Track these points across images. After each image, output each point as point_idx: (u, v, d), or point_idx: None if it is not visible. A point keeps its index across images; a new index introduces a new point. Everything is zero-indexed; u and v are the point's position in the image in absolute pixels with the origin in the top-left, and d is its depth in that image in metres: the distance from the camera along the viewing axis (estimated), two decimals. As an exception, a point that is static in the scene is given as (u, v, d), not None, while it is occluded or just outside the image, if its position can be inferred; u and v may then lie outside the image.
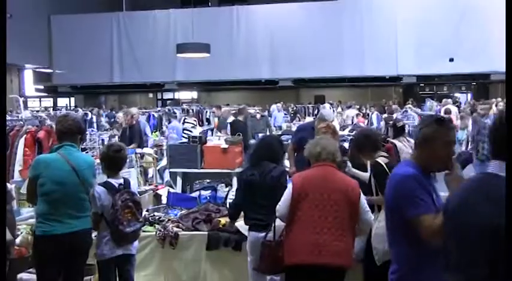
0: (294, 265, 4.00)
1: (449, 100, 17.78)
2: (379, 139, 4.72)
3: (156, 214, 6.04)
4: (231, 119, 12.79)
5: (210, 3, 28.81)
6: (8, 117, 11.17)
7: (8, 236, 4.14)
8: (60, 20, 25.11)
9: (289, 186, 4.17)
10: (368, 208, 4.15)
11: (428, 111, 14.38)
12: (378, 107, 17.92)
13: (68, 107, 27.40)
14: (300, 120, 17.79)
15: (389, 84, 27.20)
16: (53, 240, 4.28)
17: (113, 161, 4.60)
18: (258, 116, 14.55)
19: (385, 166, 4.21)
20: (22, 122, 7.39)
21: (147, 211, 6.03)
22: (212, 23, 23.55)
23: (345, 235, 3.99)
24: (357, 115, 15.36)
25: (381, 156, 4.43)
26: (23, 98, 16.90)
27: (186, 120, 13.43)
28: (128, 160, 8.92)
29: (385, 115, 13.89)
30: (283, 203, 4.10)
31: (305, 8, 23.73)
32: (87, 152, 9.36)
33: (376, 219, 4.21)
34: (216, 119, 13.05)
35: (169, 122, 13.98)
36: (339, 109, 18.89)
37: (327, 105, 16.16)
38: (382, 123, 15.63)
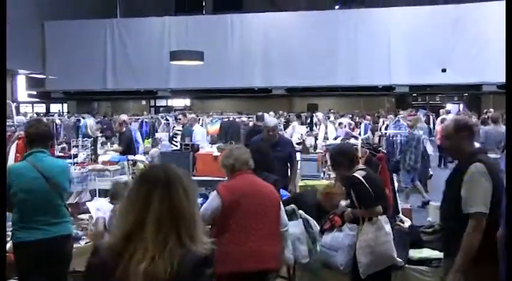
0: (236, 273, 3.89)
1: (444, 110, 17.92)
2: (355, 154, 4.75)
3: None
4: (196, 127, 12.70)
5: (204, 11, 28.90)
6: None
7: None
8: (54, 26, 25.11)
9: (216, 197, 4.06)
10: (283, 209, 4.29)
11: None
12: (373, 118, 18.00)
13: (61, 113, 27.30)
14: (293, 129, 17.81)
15: (382, 94, 27.31)
16: (29, 247, 4.26)
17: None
18: (251, 124, 14.57)
19: (362, 178, 4.25)
20: (14, 128, 7.40)
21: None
22: (206, 30, 23.61)
23: (276, 238, 4.11)
24: (342, 124, 15.36)
25: (360, 169, 4.45)
26: (15, 103, 16.85)
27: (175, 128, 13.44)
28: (120, 167, 8.97)
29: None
30: (209, 211, 4.01)
31: (299, 17, 23.84)
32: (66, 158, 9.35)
33: (360, 231, 4.25)
34: (181, 127, 13.09)
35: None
36: (332, 118, 18.90)
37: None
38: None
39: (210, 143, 12.25)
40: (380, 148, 6.69)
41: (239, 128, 14.30)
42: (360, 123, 17.03)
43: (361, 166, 4.55)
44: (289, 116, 23.88)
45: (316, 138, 11.93)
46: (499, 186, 3.43)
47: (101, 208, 5.20)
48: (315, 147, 10.61)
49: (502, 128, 12.66)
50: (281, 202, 4.32)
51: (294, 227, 4.61)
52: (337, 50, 23.06)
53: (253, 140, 7.21)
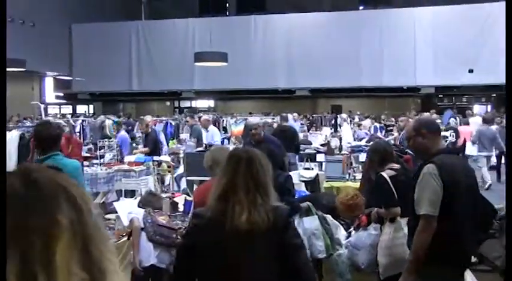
0: None
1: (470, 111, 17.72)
2: (388, 153, 4.73)
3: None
4: (211, 128, 12.74)
5: (228, 13, 28.97)
6: (28, 124, 11.34)
7: None
8: (81, 28, 25.41)
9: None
10: None
11: (450, 123, 14.31)
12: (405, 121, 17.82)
13: (87, 114, 27.63)
14: (316, 130, 17.79)
15: (407, 95, 27.08)
16: None
17: None
18: (275, 125, 14.55)
19: (387, 178, 4.22)
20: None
21: (163, 218, 6.06)
22: (230, 32, 23.66)
23: None
24: (363, 126, 15.23)
25: (390, 169, 4.43)
26: (43, 105, 17.10)
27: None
28: (145, 168, 9.06)
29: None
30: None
31: (323, 18, 23.76)
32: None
33: (383, 232, 4.23)
34: (189, 128, 13.14)
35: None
36: (356, 119, 18.82)
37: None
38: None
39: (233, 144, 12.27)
40: (407, 150, 6.61)
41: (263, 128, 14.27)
42: (392, 126, 16.80)
43: (394, 165, 4.52)
44: (312, 117, 23.87)
45: (340, 140, 11.89)
46: (452, 187, 3.42)
47: (131, 210, 5.25)
48: (340, 148, 10.58)
49: (493, 127, 13.39)
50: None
51: (309, 223, 4.62)
52: (361, 50, 22.92)
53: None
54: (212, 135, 12.09)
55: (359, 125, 14.57)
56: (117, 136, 11.18)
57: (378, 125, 16.44)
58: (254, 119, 7.38)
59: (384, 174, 4.31)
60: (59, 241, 0.93)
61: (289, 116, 20.36)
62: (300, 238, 2.94)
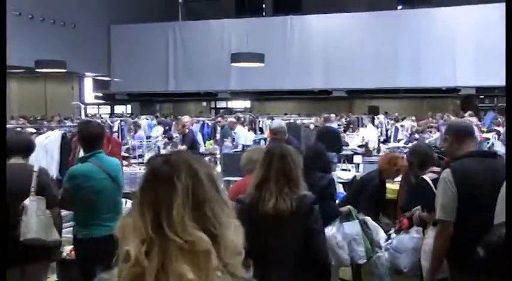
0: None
1: None
2: (429, 156, 4.66)
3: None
4: (238, 128, 12.72)
5: (264, 13, 28.98)
6: (69, 123, 11.55)
7: (58, 237, 4.33)
8: (119, 29, 25.78)
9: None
10: None
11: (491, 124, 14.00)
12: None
13: (124, 114, 28.02)
14: (353, 132, 17.61)
15: (447, 96, 26.62)
16: (94, 242, 4.40)
17: None
18: (312, 126, 14.50)
19: (430, 181, 4.17)
20: (83, 128, 7.61)
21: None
22: (266, 32, 23.66)
23: None
24: (404, 127, 15.06)
25: (433, 172, 4.36)
26: (83, 105, 17.41)
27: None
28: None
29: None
30: None
31: (360, 18, 23.55)
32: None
33: (426, 235, 4.17)
34: (219, 128, 13.19)
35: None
36: (393, 121, 18.58)
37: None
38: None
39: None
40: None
41: (299, 129, 14.22)
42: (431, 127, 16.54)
43: (435, 169, 4.45)
44: (349, 118, 23.66)
45: (379, 141, 11.78)
46: (467, 192, 3.41)
47: None
48: (378, 149, 10.48)
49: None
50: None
51: (350, 228, 4.58)
52: (399, 50, 22.63)
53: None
54: (239, 137, 12.10)
55: (402, 126, 14.40)
56: (135, 136, 11.31)
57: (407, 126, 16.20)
58: (277, 123, 7.32)
59: (426, 177, 4.25)
60: (175, 201, 1.35)
61: (332, 116, 20.30)
62: (320, 223, 3.29)
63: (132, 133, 13.39)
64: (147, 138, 11.42)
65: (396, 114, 21.76)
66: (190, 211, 1.36)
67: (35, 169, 4.39)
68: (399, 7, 26.15)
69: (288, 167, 3.20)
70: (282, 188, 3.14)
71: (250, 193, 3.24)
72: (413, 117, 18.93)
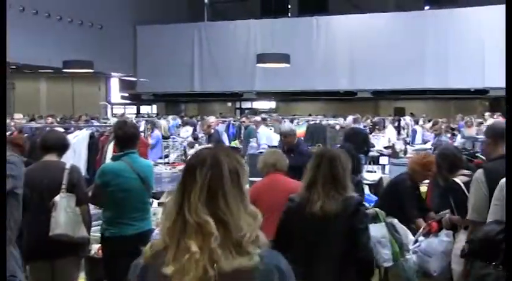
0: None
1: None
2: (458, 158, 4.58)
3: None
4: (261, 129, 12.64)
5: (289, 14, 28.93)
6: (96, 123, 11.67)
7: (86, 234, 4.43)
8: (145, 30, 25.98)
9: None
10: None
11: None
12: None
13: (150, 115, 28.23)
14: (379, 132, 17.47)
15: (475, 97, 26.24)
16: (120, 241, 4.48)
17: None
18: (338, 127, 14.41)
19: (462, 184, 4.12)
20: (110, 128, 7.68)
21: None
22: (291, 33, 23.63)
23: None
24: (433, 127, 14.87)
25: (463, 175, 4.30)
26: (110, 105, 17.58)
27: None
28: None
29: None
30: None
31: (387, 18, 23.37)
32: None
33: (457, 239, 4.12)
34: (243, 128, 13.16)
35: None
36: (421, 122, 18.38)
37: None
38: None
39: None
40: (478, 154, 6.39)
41: (325, 130, 14.16)
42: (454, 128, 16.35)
43: (464, 171, 4.38)
44: (374, 119, 23.47)
45: (406, 143, 11.67)
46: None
47: None
48: (405, 151, 10.38)
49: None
50: None
51: (376, 231, 4.52)
52: (426, 51, 22.39)
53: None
54: (261, 137, 12.06)
55: (433, 126, 14.20)
56: (152, 136, 11.33)
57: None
58: (287, 126, 7.36)
59: (458, 180, 4.19)
60: (193, 189, 1.67)
61: (351, 118, 20.17)
62: (365, 223, 3.48)
63: (149, 132, 13.46)
64: (173, 139, 11.46)
65: (424, 115, 21.55)
66: (205, 198, 1.67)
67: (67, 166, 4.48)
68: (426, 7, 25.86)
69: (335, 170, 3.38)
70: (329, 191, 3.32)
71: (300, 194, 3.46)
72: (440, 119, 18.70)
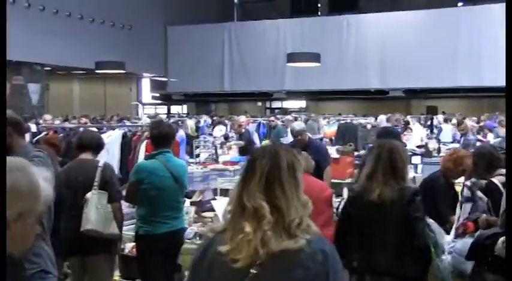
0: None
1: None
2: (495, 157, 4.48)
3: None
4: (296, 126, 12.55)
5: (319, 13, 28.80)
6: (128, 123, 11.80)
7: (116, 231, 4.50)
8: (175, 30, 26.15)
9: None
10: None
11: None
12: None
13: (180, 114, 28.43)
14: (411, 132, 17.29)
15: (509, 95, 25.69)
16: (154, 239, 4.57)
17: None
18: (369, 126, 14.31)
19: (500, 185, 4.03)
20: (142, 128, 7.77)
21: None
22: (321, 32, 23.51)
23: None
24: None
25: (501, 175, 4.21)
26: (141, 105, 17.76)
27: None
28: (239, 167, 9.16)
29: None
30: None
31: (418, 16, 23.07)
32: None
33: None
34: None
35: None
36: (454, 121, 18.10)
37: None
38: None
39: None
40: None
41: (356, 130, 14.08)
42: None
43: (502, 171, 4.29)
44: (406, 118, 23.22)
45: (439, 141, 11.51)
46: None
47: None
48: (439, 150, 10.24)
49: None
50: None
51: None
52: (458, 49, 22.01)
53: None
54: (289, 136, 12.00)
55: (459, 124, 13.96)
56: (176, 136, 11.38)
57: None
58: (299, 125, 7.35)
59: (496, 180, 4.11)
60: (253, 178, 1.91)
61: (383, 117, 20.02)
62: (421, 212, 3.60)
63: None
64: (204, 138, 11.52)
65: (457, 114, 21.22)
66: (263, 187, 1.89)
67: (100, 164, 4.58)
68: (459, 4, 25.45)
69: (395, 161, 3.57)
70: (388, 180, 3.53)
71: (361, 183, 3.69)
72: (474, 118, 18.40)
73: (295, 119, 14.71)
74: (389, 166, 3.55)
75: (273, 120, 14.68)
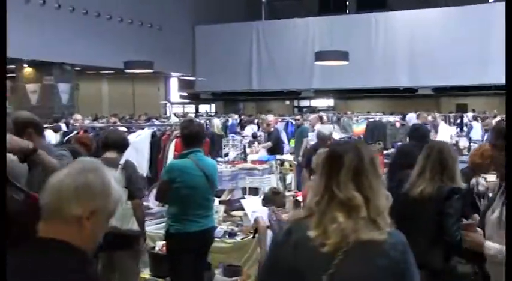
0: None
1: None
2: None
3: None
4: (317, 126, 12.45)
5: (348, 11, 28.62)
6: (157, 122, 11.88)
7: (135, 227, 4.58)
8: (203, 30, 26.24)
9: None
10: None
11: None
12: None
13: (209, 113, 28.54)
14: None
15: (541, 93, 25.19)
16: (184, 238, 4.60)
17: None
18: (398, 124, 14.16)
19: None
20: (171, 127, 7.80)
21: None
22: (350, 30, 23.33)
23: None
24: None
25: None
26: (170, 104, 17.86)
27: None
28: (268, 166, 9.15)
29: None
30: None
31: (447, 13, 22.75)
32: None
33: None
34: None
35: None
36: (489, 119, 17.82)
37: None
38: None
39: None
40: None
41: (385, 128, 13.95)
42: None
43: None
44: (436, 116, 22.92)
45: (470, 140, 11.33)
46: None
47: (255, 209, 5.37)
48: (469, 148, 10.07)
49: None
50: None
51: None
52: (489, 45, 21.60)
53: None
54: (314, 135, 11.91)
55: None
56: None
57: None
58: (327, 129, 7.34)
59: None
60: (341, 170, 2.02)
61: (412, 115, 19.77)
62: (454, 208, 3.69)
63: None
64: (232, 137, 11.53)
65: (487, 112, 20.89)
66: (351, 178, 2.01)
67: (121, 162, 4.68)
68: (490, 0, 25.02)
69: (445, 160, 3.72)
70: (434, 177, 3.70)
71: (411, 181, 3.83)
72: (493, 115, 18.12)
73: (320, 118, 14.64)
74: (438, 165, 3.71)
75: (298, 119, 14.58)
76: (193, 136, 4.71)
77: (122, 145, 4.87)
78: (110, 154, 4.73)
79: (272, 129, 10.48)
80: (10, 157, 4.42)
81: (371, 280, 2.00)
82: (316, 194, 2.08)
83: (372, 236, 1.96)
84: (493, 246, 2.93)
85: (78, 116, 12.37)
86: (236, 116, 17.86)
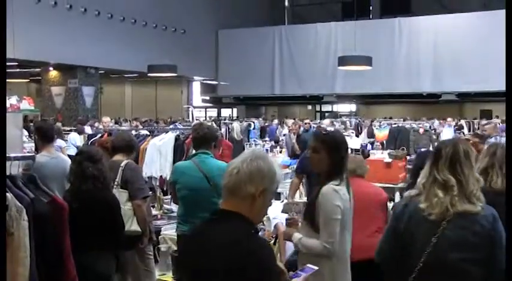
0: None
1: None
2: None
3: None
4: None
5: (371, 16, 28.52)
6: (180, 126, 11.95)
7: (136, 228, 4.67)
8: (226, 34, 26.37)
9: None
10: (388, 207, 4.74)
11: None
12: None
13: (231, 117, 28.62)
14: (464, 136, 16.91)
15: None
16: None
17: None
18: (421, 130, 14.07)
19: None
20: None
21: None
22: (373, 35, 23.24)
23: (371, 232, 4.37)
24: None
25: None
26: (193, 108, 17.95)
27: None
28: (290, 171, 9.15)
29: None
30: None
31: (471, 19, 22.54)
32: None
33: None
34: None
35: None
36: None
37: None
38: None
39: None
40: None
41: (408, 134, 13.87)
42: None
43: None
44: (459, 121, 22.70)
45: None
46: None
47: (275, 216, 5.36)
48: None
49: None
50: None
51: None
52: (515, 51, 21.38)
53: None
54: None
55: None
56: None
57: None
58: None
59: None
60: (439, 160, 2.75)
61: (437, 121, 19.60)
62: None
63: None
64: (255, 141, 11.56)
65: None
66: (448, 165, 2.68)
67: (122, 164, 4.75)
68: (516, 5, 24.72)
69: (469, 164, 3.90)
70: (504, 171, 3.90)
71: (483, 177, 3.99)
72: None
73: (332, 123, 14.58)
74: (503, 161, 3.78)
75: (307, 123, 14.52)
76: (199, 139, 4.72)
77: (127, 148, 4.97)
78: (118, 157, 4.86)
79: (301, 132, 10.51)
80: (38, 158, 4.54)
81: (468, 242, 2.63)
82: (423, 178, 2.77)
83: (466, 208, 2.63)
84: (296, 236, 3.42)
85: (106, 119, 12.50)
86: (256, 120, 17.86)
